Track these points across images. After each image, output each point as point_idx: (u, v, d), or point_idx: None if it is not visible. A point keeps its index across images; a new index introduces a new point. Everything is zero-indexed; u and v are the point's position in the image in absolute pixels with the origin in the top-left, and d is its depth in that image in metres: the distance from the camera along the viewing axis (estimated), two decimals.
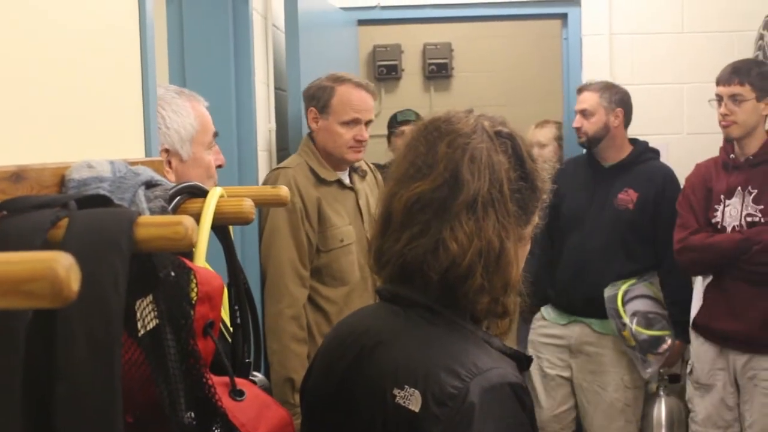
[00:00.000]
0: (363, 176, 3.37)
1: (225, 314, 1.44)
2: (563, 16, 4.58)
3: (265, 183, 3.15)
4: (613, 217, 3.92)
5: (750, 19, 4.20)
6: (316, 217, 3.10)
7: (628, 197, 3.92)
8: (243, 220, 1.38)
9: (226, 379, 1.22)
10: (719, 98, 3.54)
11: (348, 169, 3.29)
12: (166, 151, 1.96)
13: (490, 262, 1.33)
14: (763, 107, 3.49)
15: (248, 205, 1.37)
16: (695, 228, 3.57)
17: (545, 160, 4.49)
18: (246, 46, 3.03)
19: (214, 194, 1.36)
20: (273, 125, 3.51)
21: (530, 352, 4.13)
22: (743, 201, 3.48)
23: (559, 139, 4.57)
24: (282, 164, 3.26)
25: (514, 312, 1.41)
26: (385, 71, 6.31)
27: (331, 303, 3.12)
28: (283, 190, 1.64)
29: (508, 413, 1.28)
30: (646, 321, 3.81)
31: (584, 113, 3.97)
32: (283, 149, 3.59)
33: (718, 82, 3.55)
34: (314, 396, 1.49)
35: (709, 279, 3.58)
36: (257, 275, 3.11)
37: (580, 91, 4.06)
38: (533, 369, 4.10)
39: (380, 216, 1.43)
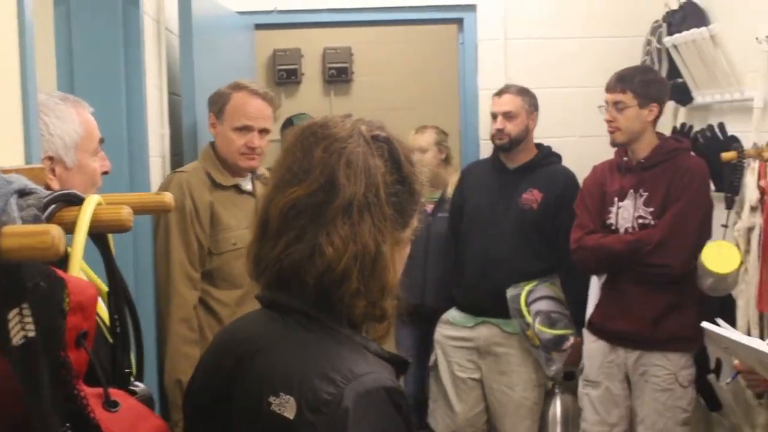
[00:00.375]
0: (265, 183, 3.36)
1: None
2: (459, 21, 4.64)
3: (160, 187, 3.13)
4: (518, 216, 3.99)
5: (640, 25, 4.33)
6: (208, 220, 3.09)
7: (532, 197, 4.00)
8: (121, 228, 1.35)
9: (100, 390, 1.20)
10: (606, 105, 3.65)
11: (249, 175, 3.29)
12: (50, 158, 1.91)
13: (366, 265, 1.34)
14: (646, 114, 3.58)
15: (126, 213, 1.35)
16: (591, 228, 3.66)
17: (426, 164, 4.54)
18: (137, 50, 2.98)
19: (91, 202, 1.33)
20: (167, 130, 3.47)
21: (438, 355, 4.18)
22: (635, 203, 3.58)
23: (439, 143, 4.63)
24: (179, 169, 3.25)
25: (392, 315, 1.42)
26: (285, 75, 6.29)
27: (223, 306, 3.10)
28: (167, 197, 1.62)
29: (383, 418, 1.29)
30: (549, 320, 3.89)
31: (508, 115, 4.03)
32: (177, 155, 3.54)
33: (605, 90, 3.66)
34: (196, 403, 1.48)
35: (604, 279, 3.67)
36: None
37: (500, 93, 4.12)
38: (444, 373, 4.15)
39: (258, 222, 1.42)
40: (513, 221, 4.00)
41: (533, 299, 3.93)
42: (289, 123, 4.55)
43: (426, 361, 4.51)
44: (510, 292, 3.93)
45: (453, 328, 4.15)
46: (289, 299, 1.39)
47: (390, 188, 1.38)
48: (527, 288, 3.94)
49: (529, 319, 3.88)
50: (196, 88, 3.38)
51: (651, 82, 3.62)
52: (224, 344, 1.47)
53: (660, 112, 3.62)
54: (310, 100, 6.32)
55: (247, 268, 1.44)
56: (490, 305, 4.01)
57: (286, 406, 1.28)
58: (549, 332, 3.89)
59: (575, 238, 3.68)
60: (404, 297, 4.27)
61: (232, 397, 1.38)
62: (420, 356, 4.68)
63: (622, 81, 3.61)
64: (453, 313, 4.17)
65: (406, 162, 1.42)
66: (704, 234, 3.55)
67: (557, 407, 4.22)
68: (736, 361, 2.51)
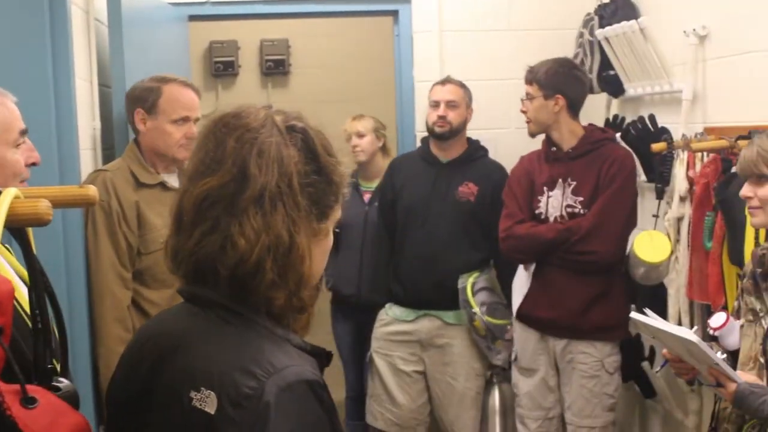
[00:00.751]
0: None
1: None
2: (395, 13, 4.64)
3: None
4: (455, 209, 4.02)
5: (572, 18, 4.37)
6: (135, 221, 3.05)
7: (468, 190, 4.04)
8: (39, 222, 1.33)
9: (18, 386, 1.18)
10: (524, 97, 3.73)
11: (177, 171, 3.24)
12: None
13: (280, 256, 1.33)
14: (552, 105, 3.64)
15: (44, 206, 1.32)
16: (520, 218, 3.70)
17: (363, 149, 4.54)
18: (64, 40, 2.90)
19: (7, 195, 1.30)
20: (97, 123, 3.40)
21: (376, 352, 4.18)
22: (564, 192, 3.63)
23: (376, 130, 4.63)
24: (102, 167, 3.20)
25: (311, 306, 1.41)
26: (221, 68, 6.21)
27: (154, 306, 3.05)
28: (91, 190, 1.59)
29: (305, 411, 1.28)
30: (490, 311, 3.93)
31: (451, 104, 4.06)
32: (108, 148, 3.48)
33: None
34: (117, 397, 1.46)
35: (533, 269, 3.71)
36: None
37: (444, 83, 4.15)
38: (384, 368, 4.14)
39: (174, 215, 1.40)
40: (451, 214, 4.02)
41: (477, 289, 3.97)
42: None
43: (364, 355, 4.53)
44: (460, 284, 3.96)
45: (393, 324, 4.16)
46: (207, 292, 1.37)
47: (305, 178, 1.37)
48: (470, 279, 3.98)
49: (476, 309, 3.91)
50: (127, 80, 3.32)
51: (555, 74, 3.66)
52: (146, 338, 1.45)
53: (570, 104, 3.66)
54: (248, 93, 6.25)
55: (165, 262, 1.42)
56: (432, 298, 4.03)
57: (207, 401, 1.27)
58: (494, 322, 3.93)
59: (504, 228, 3.72)
60: (340, 286, 4.28)
61: (153, 392, 1.36)
62: (358, 350, 4.69)
63: (530, 73, 3.71)
64: (392, 310, 4.17)
65: (324, 152, 1.41)
66: (631, 222, 3.63)
67: (495, 397, 4.26)
68: (664, 350, 2.55)
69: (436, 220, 4.04)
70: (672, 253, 3.42)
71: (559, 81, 3.68)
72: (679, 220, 3.38)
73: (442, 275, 4.00)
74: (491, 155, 4.22)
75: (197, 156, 1.39)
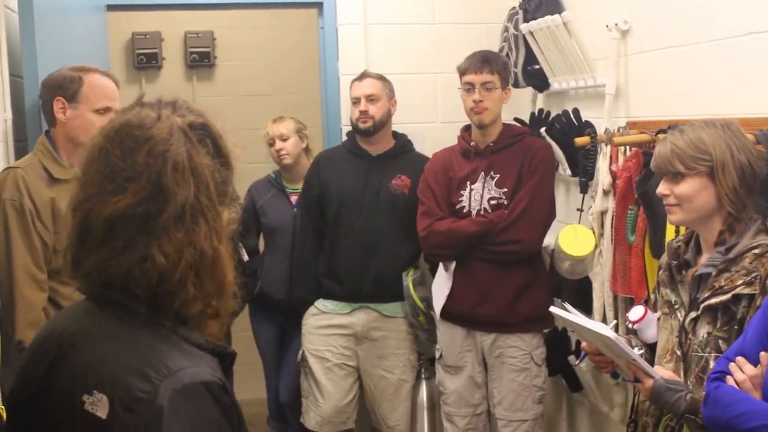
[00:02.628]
0: None
1: None
2: (319, 6, 4.57)
3: None
4: (390, 202, 4.01)
5: (497, 12, 4.36)
6: (50, 218, 2.93)
7: (402, 182, 4.04)
8: None
9: None
10: (470, 86, 3.65)
11: None
12: None
13: (204, 270, 1.29)
14: (505, 96, 3.67)
15: None
16: (439, 215, 3.69)
17: (288, 152, 4.47)
18: None
19: None
20: (9, 114, 3.28)
21: (307, 348, 4.12)
22: (485, 185, 3.63)
23: (299, 131, 4.56)
24: (13, 164, 3.08)
25: (226, 314, 1.37)
26: (144, 60, 6.07)
27: (72, 303, 2.95)
28: None
29: (201, 413, 1.24)
30: (429, 305, 3.92)
31: (371, 98, 4.02)
32: (21, 140, 3.35)
33: (468, 71, 3.66)
34: (14, 402, 1.39)
35: (453, 266, 3.69)
36: None
37: (361, 78, 4.10)
38: (314, 364, 4.09)
39: (77, 226, 1.33)
40: (386, 207, 4.01)
41: (416, 284, 3.96)
42: None
43: (285, 355, 4.47)
44: (404, 280, 3.97)
45: (325, 317, 4.11)
46: (108, 292, 1.31)
47: (218, 178, 1.33)
48: (411, 274, 4.00)
49: (420, 304, 3.90)
50: (40, 71, 3.20)
51: (508, 66, 3.69)
52: (43, 338, 1.39)
53: None
54: (172, 86, 6.12)
55: (64, 267, 1.35)
56: (370, 290, 4.02)
57: (98, 405, 1.22)
58: (434, 315, 3.90)
59: (424, 226, 3.71)
60: (270, 291, 4.18)
61: (46, 396, 1.31)
62: (280, 351, 4.63)
63: (488, 62, 3.65)
64: (323, 303, 4.12)
65: (223, 141, 1.37)
66: (552, 212, 3.65)
67: (423, 392, 4.26)
68: (583, 343, 2.55)
69: (372, 212, 4.01)
70: (596, 246, 3.43)
71: (510, 73, 3.74)
72: (603, 213, 3.39)
73: (381, 268, 3.99)
74: (418, 149, 4.20)
75: (99, 168, 1.31)
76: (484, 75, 3.63)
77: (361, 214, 4.01)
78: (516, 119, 4.16)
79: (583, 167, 3.54)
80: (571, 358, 3.88)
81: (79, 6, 3.97)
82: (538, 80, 4.13)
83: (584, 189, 3.54)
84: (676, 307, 2.39)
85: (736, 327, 2.20)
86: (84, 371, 1.26)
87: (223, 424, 1.26)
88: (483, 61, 3.66)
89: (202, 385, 1.24)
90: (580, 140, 3.50)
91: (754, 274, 2.19)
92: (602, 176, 3.37)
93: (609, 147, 3.35)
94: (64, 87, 3.04)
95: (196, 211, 1.28)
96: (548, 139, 3.85)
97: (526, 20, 4.02)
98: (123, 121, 1.34)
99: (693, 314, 2.30)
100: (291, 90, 5.96)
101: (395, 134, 4.17)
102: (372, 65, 4.37)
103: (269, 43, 6.17)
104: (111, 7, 4.37)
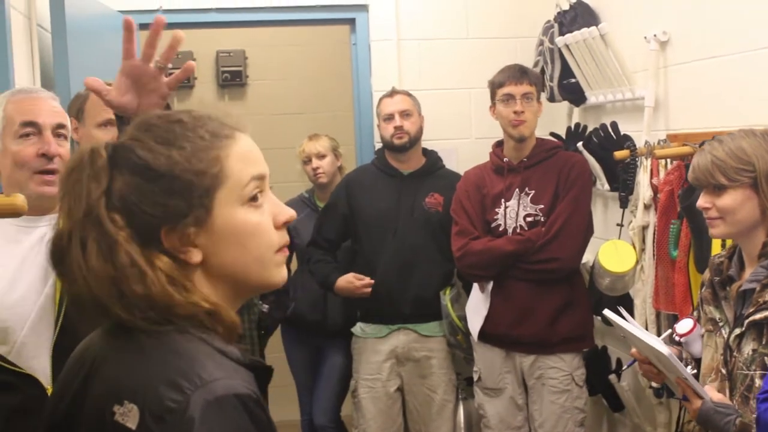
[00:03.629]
0: None
1: None
2: (351, 22, 4.55)
3: None
4: (425, 220, 3.96)
5: (531, 26, 4.32)
6: None
7: (435, 200, 3.98)
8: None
9: None
10: (509, 97, 3.56)
11: None
12: None
13: (110, 284, 1.25)
14: (540, 110, 3.60)
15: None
16: (474, 234, 3.62)
17: (324, 171, 4.42)
18: (3, 46, 2.78)
19: None
20: None
21: (361, 381, 4.08)
22: (520, 202, 3.56)
23: (334, 149, 4.52)
24: None
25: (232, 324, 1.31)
26: None
27: None
28: (19, 199, 1.52)
29: (234, 426, 1.18)
30: (466, 323, 3.85)
31: (405, 114, 3.98)
32: None
33: (507, 82, 3.58)
34: (51, 420, 1.35)
35: (490, 287, 3.61)
36: None
37: (391, 95, 4.07)
38: (364, 394, 4.05)
39: None
40: (421, 226, 3.95)
41: (453, 303, 3.91)
42: None
43: (320, 379, 4.46)
44: (442, 300, 3.92)
45: (367, 343, 4.06)
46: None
47: (150, 198, 1.28)
48: (449, 293, 3.95)
49: (458, 323, 3.85)
50: (72, 89, 3.19)
51: (541, 79, 3.62)
52: (79, 353, 1.36)
53: None
54: (204, 106, 6.13)
55: None
56: (409, 311, 3.95)
57: (129, 416, 1.17)
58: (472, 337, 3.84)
59: (459, 246, 3.63)
60: (304, 312, 4.07)
61: (78, 413, 1.27)
62: (313, 373, 4.57)
63: (527, 73, 3.60)
64: (361, 328, 4.08)
65: (154, 157, 1.29)
66: (590, 228, 3.57)
67: (460, 412, 4.18)
68: (633, 349, 2.48)
69: (407, 232, 3.96)
70: (637, 262, 3.35)
71: (542, 88, 3.67)
72: (644, 228, 3.32)
73: (418, 287, 3.93)
74: (452, 166, 4.15)
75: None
76: (524, 86, 3.56)
77: (396, 234, 3.96)
78: (552, 134, 4.09)
79: (622, 181, 3.47)
80: (612, 377, 3.79)
81: (112, 25, 3.95)
82: (574, 94, 4.06)
83: (624, 204, 3.46)
84: (721, 324, 2.31)
85: None
86: (116, 382, 1.23)
87: None
88: (522, 72, 3.60)
89: (235, 398, 1.19)
90: (620, 154, 3.42)
91: None
92: (643, 190, 3.29)
93: (650, 160, 3.28)
94: (73, 106, 2.99)
95: (85, 237, 1.26)
96: (585, 153, 3.78)
97: (561, 33, 3.97)
98: None
99: (737, 331, 2.22)
100: (323, 108, 5.93)
101: (425, 151, 4.12)
102: (405, 81, 4.33)
103: (301, 61, 6.14)
104: (144, 26, 4.35)
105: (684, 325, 2.47)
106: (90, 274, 1.23)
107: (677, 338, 2.47)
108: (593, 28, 3.69)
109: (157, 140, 1.29)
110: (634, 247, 3.37)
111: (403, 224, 3.96)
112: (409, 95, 4.07)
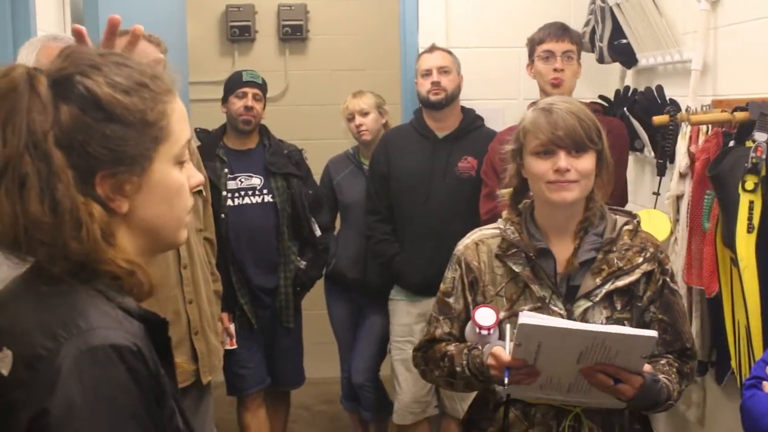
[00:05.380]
0: None
1: None
2: None
3: None
4: (458, 185, 3.88)
5: None
6: None
7: (469, 164, 3.90)
8: None
9: None
10: (549, 54, 3.45)
11: None
12: None
13: (46, 233, 1.18)
14: (579, 71, 3.46)
15: None
16: None
17: (368, 128, 4.36)
18: None
19: None
20: None
21: (394, 343, 4.13)
22: None
23: (379, 106, 4.44)
24: None
25: (143, 278, 1.26)
26: (238, 32, 6.06)
27: None
28: None
29: (105, 379, 1.14)
30: None
31: (443, 70, 3.89)
32: None
33: (547, 38, 3.47)
34: None
35: None
36: None
37: (431, 50, 3.98)
38: (395, 356, 4.06)
39: None
40: (453, 190, 3.88)
41: None
42: (237, 76, 4.29)
43: (360, 337, 4.46)
44: None
45: (400, 305, 4.07)
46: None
47: (84, 135, 1.21)
48: None
49: None
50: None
51: (582, 39, 3.47)
52: None
53: None
54: (265, 59, 6.09)
55: None
56: (437, 281, 3.87)
57: (3, 362, 1.15)
58: None
59: (487, 210, 3.53)
60: (344, 270, 4.02)
61: None
62: (354, 330, 4.55)
63: (568, 31, 3.49)
64: (398, 290, 4.08)
65: (114, 97, 1.23)
66: (624, 196, 3.48)
67: None
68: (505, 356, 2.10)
69: (439, 197, 3.89)
70: (671, 233, 3.20)
71: (582, 49, 3.56)
72: (679, 198, 3.15)
73: (447, 258, 3.82)
74: (498, 127, 4.02)
75: None
76: (566, 43, 3.44)
77: (428, 199, 3.89)
78: (600, 96, 3.94)
79: (661, 148, 3.31)
80: None
81: None
82: (625, 55, 3.88)
83: (661, 171, 3.30)
84: (550, 302, 2.18)
85: (639, 304, 2.17)
86: (1, 327, 1.20)
87: (133, 394, 1.16)
88: (563, 29, 3.47)
89: (111, 348, 1.15)
90: (658, 119, 3.26)
91: (649, 251, 2.20)
92: (679, 158, 3.13)
93: (689, 127, 3.11)
94: None
95: (23, 172, 1.17)
96: (631, 118, 3.62)
97: None
98: None
99: (585, 303, 2.14)
100: (379, 65, 5.85)
101: (463, 110, 4.01)
102: (452, 38, 4.22)
103: (360, 17, 6.07)
104: None
105: (486, 315, 2.18)
106: (24, 215, 1.17)
107: (482, 332, 2.17)
108: None
109: (108, 81, 1.24)
110: (669, 218, 3.21)
111: (436, 189, 3.88)
112: (449, 53, 3.96)
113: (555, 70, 3.42)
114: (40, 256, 1.20)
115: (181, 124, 1.32)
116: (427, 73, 3.89)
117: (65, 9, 3.22)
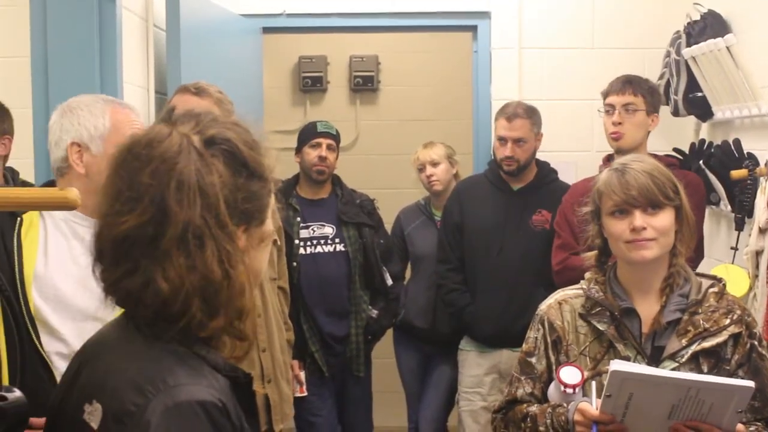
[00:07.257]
0: None
1: None
2: (474, 29, 4.49)
3: None
4: (531, 238, 3.87)
5: (659, 36, 4.14)
6: None
7: (543, 218, 3.89)
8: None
9: None
10: (610, 107, 3.45)
11: None
12: (77, 144, 2.08)
13: (211, 295, 1.21)
14: (650, 122, 3.44)
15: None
16: (577, 249, 3.48)
17: (438, 178, 4.38)
18: (112, 45, 2.89)
19: None
20: None
21: (463, 395, 4.08)
22: None
23: (449, 157, 4.46)
24: None
25: (252, 336, 1.30)
26: (310, 83, 6.17)
27: None
28: (72, 192, 1.55)
29: None
30: None
31: (518, 142, 3.87)
32: None
33: (610, 93, 3.47)
34: (49, 408, 1.38)
35: None
36: None
37: (510, 118, 3.90)
38: (464, 406, 4.04)
39: (95, 247, 1.29)
40: (528, 243, 3.87)
41: None
42: (312, 127, 4.34)
43: (428, 387, 4.43)
44: None
45: (470, 356, 4.04)
46: None
47: (237, 195, 1.25)
48: None
49: None
50: None
51: (656, 91, 3.46)
52: (84, 345, 1.38)
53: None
54: (336, 109, 6.18)
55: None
56: (513, 334, 3.81)
57: (94, 415, 1.18)
58: None
59: (559, 260, 3.51)
60: (412, 319, 3.99)
61: (64, 408, 1.29)
62: (422, 380, 4.53)
63: (631, 84, 3.45)
64: (468, 341, 4.05)
65: (250, 151, 1.28)
66: (700, 251, 3.38)
67: None
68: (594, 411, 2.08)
69: (512, 249, 3.88)
70: (750, 289, 3.14)
71: (658, 99, 3.52)
72: (758, 253, 3.10)
73: (520, 309, 3.79)
74: (570, 180, 4.01)
75: (109, 189, 1.27)
76: (626, 96, 3.41)
77: (501, 251, 3.88)
78: (675, 149, 3.91)
79: (739, 202, 3.27)
80: None
81: (230, 27, 4.06)
82: (700, 108, 3.86)
83: (740, 226, 3.26)
84: (632, 361, 2.13)
85: (726, 367, 2.12)
86: (93, 381, 1.24)
87: None
88: (625, 82, 3.46)
89: (197, 405, 1.17)
90: (737, 173, 3.22)
91: (737, 313, 2.15)
92: (759, 213, 3.08)
93: None
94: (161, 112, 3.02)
95: (203, 234, 1.21)
96: (707, 172, 3.59)
97: (689, 44, 3.77)
98: (135, 140, 1.28)
99: (671, 365, 2.10)
100: (450, 116, 5.89)
101: (537, 163, 4.00)
102: (525, 90, 4.24)
103: (429, 69, 6.12)
104: (267, 30, 4.44)
105: (571, 374, 2.14)
106: (204, 279, 1.21)
107: (567, 390, 2.13)
108: (719, 39, 3.49)
109: (243, 139, 1.29)
110: (748, 273, 3.16)
111: (509, 241, 3.87)
112: (530, 117, 3.90)
113: (613, 123, 3.41)
114: (196, 317, 1.22)
115: None
116: (503, 141, 3.88)
117: (149, 62, 3.33)
